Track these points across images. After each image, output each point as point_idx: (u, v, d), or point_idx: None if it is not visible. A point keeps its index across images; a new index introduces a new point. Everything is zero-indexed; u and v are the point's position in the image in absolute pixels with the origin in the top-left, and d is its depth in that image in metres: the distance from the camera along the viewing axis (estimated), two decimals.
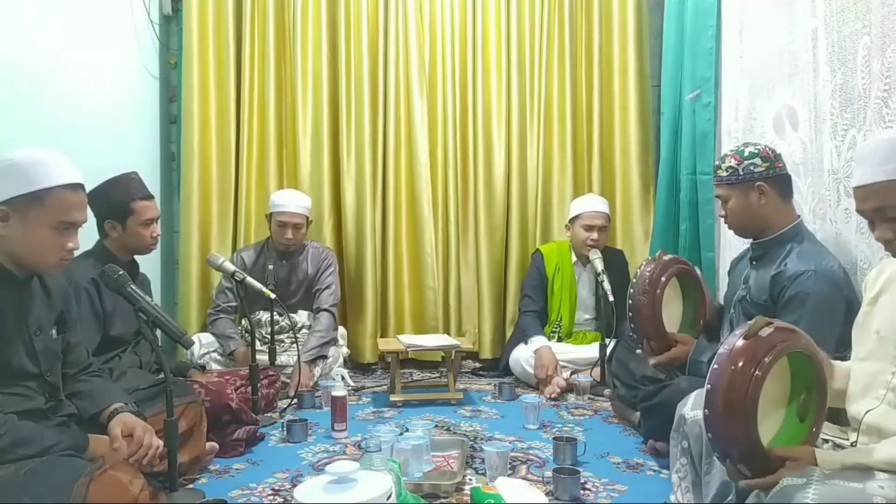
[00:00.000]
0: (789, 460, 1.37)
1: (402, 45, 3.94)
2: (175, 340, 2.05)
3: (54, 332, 1.86)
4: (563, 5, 3.98)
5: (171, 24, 3.99)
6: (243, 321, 3.48)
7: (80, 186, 1.78)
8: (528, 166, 4.02)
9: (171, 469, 1.96)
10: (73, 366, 1.95)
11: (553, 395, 3.25)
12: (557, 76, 4.00)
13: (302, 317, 3.59)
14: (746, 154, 2.20)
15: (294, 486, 2.11)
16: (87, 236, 2.40)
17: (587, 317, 3.67)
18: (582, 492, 2.15)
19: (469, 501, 2.10)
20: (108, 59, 3.29)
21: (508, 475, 2.24)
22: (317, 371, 3.38)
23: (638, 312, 2.29)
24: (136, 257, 2.63)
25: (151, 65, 3.79)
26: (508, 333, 3.93)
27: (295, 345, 3.21)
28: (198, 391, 2.41)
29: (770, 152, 2.21)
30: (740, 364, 1.38)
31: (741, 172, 2.19)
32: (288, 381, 3.23)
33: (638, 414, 2.63)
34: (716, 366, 1.42)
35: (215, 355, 3.39)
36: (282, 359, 3.30)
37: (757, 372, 1.37)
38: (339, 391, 2.74)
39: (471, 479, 2.28)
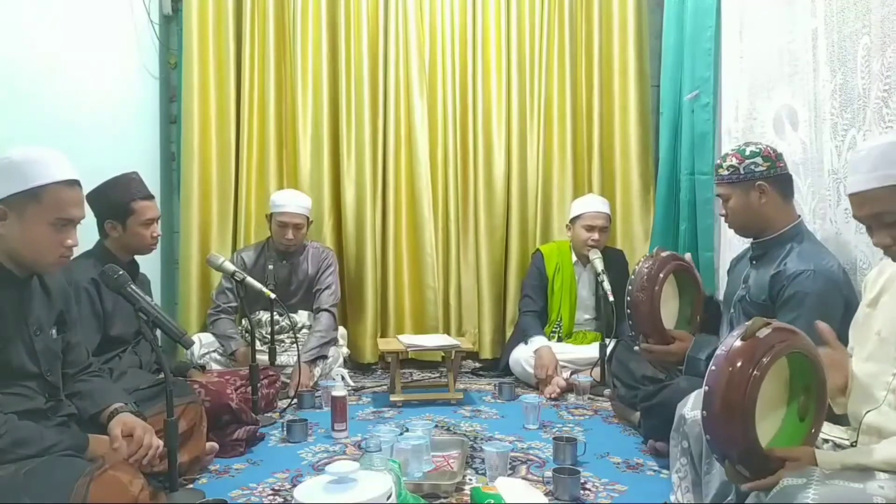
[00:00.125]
0: (789, 461, 1.37)
1: (402, 45, 3.94)
2: (175, 340, 2.05)
3: (54, 331, 1.86)
4: (563, 5, 3.98)
5: (171, 24, 3.99)
6: (243, 321, 3.48)
7: (76, 183, 1.78)
8: (528, 166, 4.02)
9: (171, 469, 1.96)
10: (73, 366, 1.95)
11: (553, 395, 3.25)
12: (557, 76, 4.00)
13: (302, 317, 3.59)
14: (748, 153, 2.20)
15: (294, 486, 2.11)
16: (88, 236, 2.40)
17: (587, 317, 3.67)
18: (582, 492, 2.15)
19: (469, 501, 2.10)
20: (108, 59, 3.28)
21: (508, 475, 2.24)
22: (317, 371, 3.38)
23: (636, 309, 2.30)
24: (136, 257, 2.63)
25: (151, 65, 3.79)
26: (508, 333, 3.93)
27: (295, 345, 3.21)
28: (198, 391, 2.40)
29: (771, 152, 2.21)
30: (738, 365, 1.38)
31: (742, 171, 2.19)
32: (288, 381, 3.23)
33: (638, 414, 2.63)
34: (713, 367, 1.41)
35: (215, 355, 3.39)
36: (282, 359, 3.30)
37: (755, 372, 1.37)
38: (339, 391, 2.74)
39: (471, 479, 2.28)
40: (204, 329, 3.63)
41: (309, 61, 3.92)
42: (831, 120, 2.20)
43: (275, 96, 3.92)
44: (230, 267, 3.05)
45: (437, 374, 3.78)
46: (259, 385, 2.89)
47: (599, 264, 3.41)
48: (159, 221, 2.64)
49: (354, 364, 3.91)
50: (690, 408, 1.81)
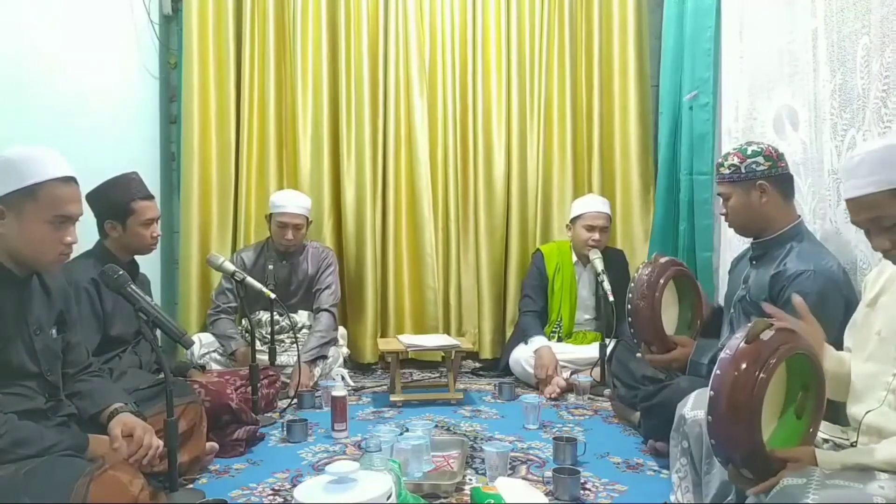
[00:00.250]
0: (790, 461, 1.37)
1: (402, 45, 3.94)
2: (175, 340, 2.05)
3: (54, 331, 1.86)
4: (563, 5, 3.98)
5: (171, 24, 3.99)
6: (243, 321, 3.48)
7: (72, 179, 1.78)
8: (528, 166, 4.02)
9: (171, 469, 1.96)
10: (73, 366, 1.95)
11: (553, 395, 3.25)
12: (557, 76, 4.00)
13: (302, 317, 3.59)
14: (749, 152, 2.20)
15: (294, 486, 2.12)
16: (88, 236, 2.40)
17: (587, 317, 3.67)
18: (582, 492, 2.15)
19: (469, 501, 2.09)
20: (108, 59, 3.29)
21: (508, 475, 2.24)
22: (317, 371, 3.38)
23: (638, 317, 2.29)
24: (136, 257, 2.63)
25: (151, 65, 3.79)
26: (508, 333, 3.93)
27: (295, 345, 3.21)
28: (198, 391, 2.40)
29: (773, 151, 2.21)
30: (743, 367, 1.37)
31: (743, 170, 2.19)
32: (288, 381, 3.23)
33: (638, 414, 2.63)
34: (718, 371, 1.40)
35: (215, 355, 3.39)
36: (282, 359, 3.30)
37: (761, 374, 1.36)
38: (339, 391, 2.74)
39: (471, 479, 2.28)
40: (204, 329, 3.63)
41: (309, 61, 3.92)
42: (831, 120, 2.20)
43: (275, 96, 3.92)
44: (230, 267, 3.05)
45: (437, 374, 3.78)
46: (259, 385, 2.89)
47: (599, 264, 3.41)
48: (159, 221, 2.64)
49: (354, 364, 3.91)
50: (691, 408, 1.81)
